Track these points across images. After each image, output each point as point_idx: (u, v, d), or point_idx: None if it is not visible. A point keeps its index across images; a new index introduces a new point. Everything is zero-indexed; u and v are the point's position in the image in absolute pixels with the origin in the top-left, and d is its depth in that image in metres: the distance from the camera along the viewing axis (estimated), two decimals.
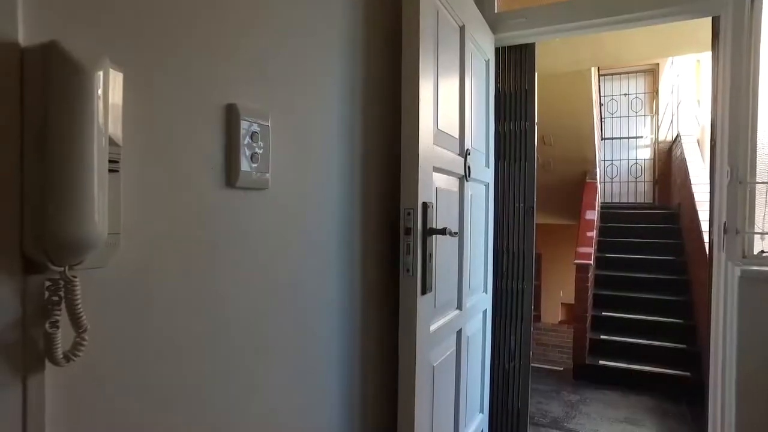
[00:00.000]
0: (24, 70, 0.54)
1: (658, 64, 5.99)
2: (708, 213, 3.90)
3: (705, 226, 3.79)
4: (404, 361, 1.30)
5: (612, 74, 6.06)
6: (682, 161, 4.99)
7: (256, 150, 0.87)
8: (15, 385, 0.54)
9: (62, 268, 0.56)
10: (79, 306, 0.57)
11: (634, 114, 6.32)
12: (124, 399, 0.67)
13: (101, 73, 0.56)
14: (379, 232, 1.34)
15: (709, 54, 1.94)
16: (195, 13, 0.77)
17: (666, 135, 6.06)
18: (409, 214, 1.29)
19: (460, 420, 1.71)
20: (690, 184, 4.42)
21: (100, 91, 0.56)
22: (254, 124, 0.86)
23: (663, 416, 3.18)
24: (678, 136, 5.45)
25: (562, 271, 6.69)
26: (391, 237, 1.39)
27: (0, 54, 0.52)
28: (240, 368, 0.86)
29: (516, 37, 2.05)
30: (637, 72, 6.19)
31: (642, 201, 6.21)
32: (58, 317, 0.56)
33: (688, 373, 3.61)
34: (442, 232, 1.34)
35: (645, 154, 6.28)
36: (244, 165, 0.84)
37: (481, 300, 1.92)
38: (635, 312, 4.24)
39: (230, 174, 0.83)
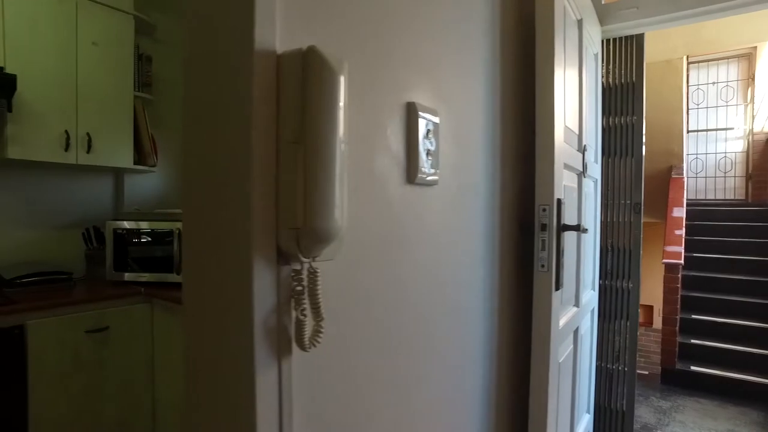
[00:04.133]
0: (279, 74, 0.58)
1: (755, 47, 5.50)
2: None
3: None
4: (538, 358, 1.29)
5: (699, 62, 5.61)
6: None
7: (430, 147, 0.89)
8: (273, 367, 0.59)
9: (309, 260, 0.60)
10: (320, 296, 0.61)
11: (724, 104, 5.87)
12: (346, 381, 0.71)
13: (344, 76, 0.59)
14: (510, 228, 1.34)
15: None
16: (380, 20, 0.79)
17: (763, 125, 5.59)
18: (544, 210, 1.27)
19: (575, 419, 1.68)
20: None
21: (342, 92, 0.59)
22: (429, 122, 0.88)
23: None
24: None
25: (643, 270, 6.37)
26: (519, 233, 1.38)
27: (263, 61, 0.57)
28: (415, 357, 0.89)
29: (625, 28, 1.97)
30: (729, 57, 5.70)
31: (732, 197, 5.79)
32: (305, 306, 0.60)
33: None
34: (576, 228, 1.32)
35: (736, 146, 5.83)
36: (423, 162, 0.87)
37: (591, 298, 1.87)
38: (728, 316, 3.98)
39: (410, 170, 0.85)
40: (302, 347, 0.60)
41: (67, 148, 2.35)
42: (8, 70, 2.08)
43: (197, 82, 0.61)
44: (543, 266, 1.28)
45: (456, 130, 1.02)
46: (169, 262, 2.47)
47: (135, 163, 2.67)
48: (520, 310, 1.39)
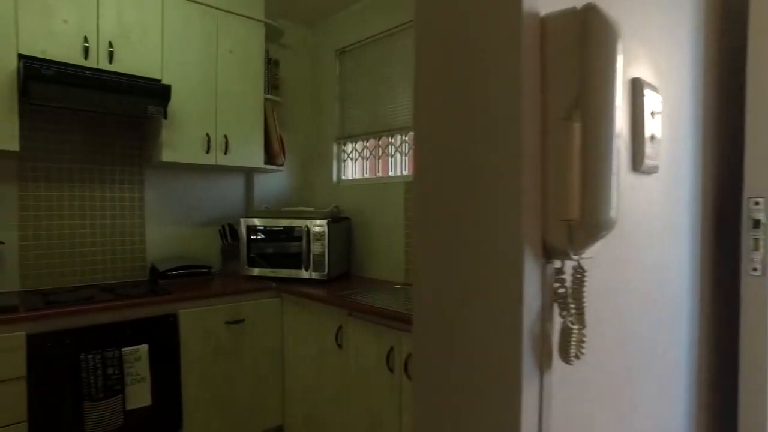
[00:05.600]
0: (544, 40, 0.51)
1: None
2: None
3: None
4: (749, 374, 1.09)
5: None
6: None
7: (654, 130, 0.77)
8: (535, 380, 0.51)
9: (578, 257, 0.51)
10: (586, 300, 0.52)
11: None
12: (600, 397, 0.61)
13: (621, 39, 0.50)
14: (710, 222, 1.15)
15: None
16: None
17: None
18: (756, 203, 1.08)
19: None
20: None
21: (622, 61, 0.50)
22: (653, 101, 0.76)
23: None
24: None
25: None
26: (716, 229, 1.19)
27: (529, 25, 0.49)
28: (642, 363, 0.77)
29: None
30: None
31: None
32: (573, 311, 0.52)
33: None
34: None
35: None
36: (648, 146, 0.75)
37: None
38: None
39: (636, 156, 0.74)
40: (566, 359, 0.52)
41: (208, 150, 2.51)
42: (164, 82, 2.27)
43: (439, 57, 0.55)
44: (755, 269, 1.08)
45: (669, 110, 0.88)
46: (298, 259, 2.54)
47: (265, 163, 2.79)
48: (719, 319, 1.20)
